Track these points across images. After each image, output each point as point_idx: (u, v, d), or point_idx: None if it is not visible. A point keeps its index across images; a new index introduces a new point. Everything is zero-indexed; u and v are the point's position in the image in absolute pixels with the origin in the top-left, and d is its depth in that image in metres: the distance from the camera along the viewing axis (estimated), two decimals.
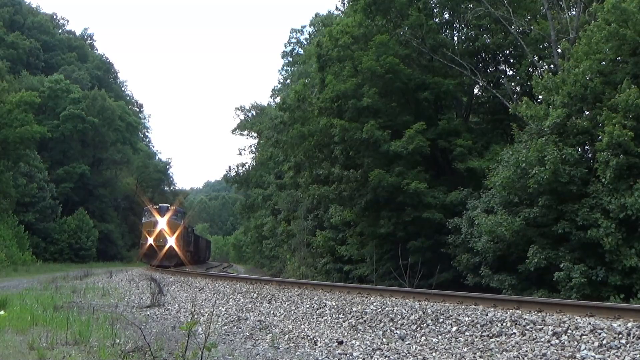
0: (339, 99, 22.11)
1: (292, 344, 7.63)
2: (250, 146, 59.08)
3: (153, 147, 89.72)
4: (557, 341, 6.26)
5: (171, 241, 32.81)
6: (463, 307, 8.36)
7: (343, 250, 25.20)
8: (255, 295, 12.38)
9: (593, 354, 5.76)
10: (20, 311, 9.73)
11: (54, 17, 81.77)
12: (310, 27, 52.57)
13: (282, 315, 10.04)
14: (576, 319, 6.76)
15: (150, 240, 32.79)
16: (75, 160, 55.16)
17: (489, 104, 22.96)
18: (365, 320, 8.59)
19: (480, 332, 7.07)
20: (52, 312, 10.07)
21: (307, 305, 10.27)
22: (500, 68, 23.52)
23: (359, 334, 8.00)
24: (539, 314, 7.39)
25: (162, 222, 32.92)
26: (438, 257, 18.88)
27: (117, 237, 59.12)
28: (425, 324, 7.78)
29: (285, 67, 58.39)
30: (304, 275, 29.77)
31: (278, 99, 47.95)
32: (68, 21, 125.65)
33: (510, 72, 23.23)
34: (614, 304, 9.12)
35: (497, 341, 6.67)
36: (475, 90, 23.62)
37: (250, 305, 11.39)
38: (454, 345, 6.84)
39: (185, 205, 65.77)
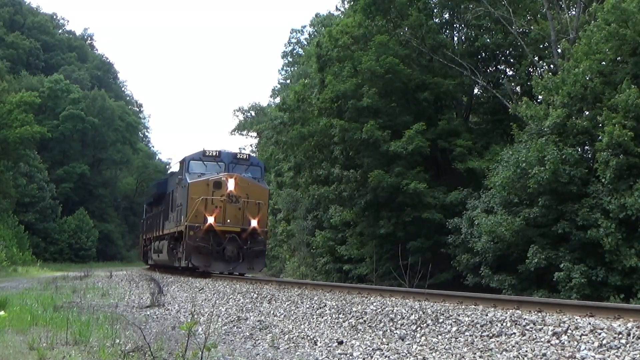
0: (338, 99, 22.11)
1: (292, 344, 7.62)
2: (250, 145, 59.05)
3: (153, 147, 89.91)
4: (557, 341, 6.25)
5: (254, 222, 17.76)
6: (463, 307, 8.36)
7: (343, 250, 25.19)
8: (255, 295, 12.37)
9: (593, 354, 5.75)
10: (20, 311, 9.72)
11: (54, 17, 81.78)
12: (310, 27, 52.60)
13: (282, 315, 10.03)
14: (576, 319, 6.75)
15: (211, 220, 17.24)
16: (75, 160, 55.26)
17: (489, 104, 22.96)
18: (365, 320, 8.58)
19: (480, 332, 7.06)
20: (52, 312, 10.05)
21: (307, 305, 10.26)
22: (500, 68, 23.54)
23: (359, 334, 7.99)
24: (539, 314, 7.38)
25: (232, 184, 17.67)
26: (438, 257, 18.88)
27: (117, 237, 59.23)
28: (425, 324, 7.77)
29: (285, 68, 58.37)
30: (304, 275, 29.78)
31: (278, 99, 47.92)
32: (68, 21, 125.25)
33: (510, 72, 23.26)
34: (614, 304, 9.12)
35: (497, 341, 6.67)
36: (475, 91, 23.63)
37: (250, 305, 11.39)
38: (454, 345, 6.83)
39: None
